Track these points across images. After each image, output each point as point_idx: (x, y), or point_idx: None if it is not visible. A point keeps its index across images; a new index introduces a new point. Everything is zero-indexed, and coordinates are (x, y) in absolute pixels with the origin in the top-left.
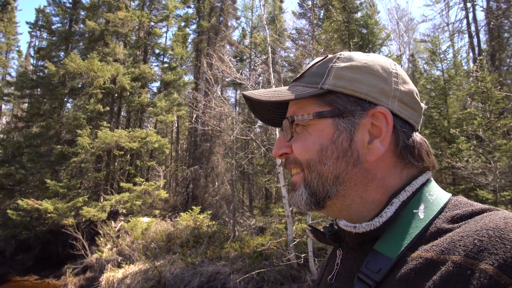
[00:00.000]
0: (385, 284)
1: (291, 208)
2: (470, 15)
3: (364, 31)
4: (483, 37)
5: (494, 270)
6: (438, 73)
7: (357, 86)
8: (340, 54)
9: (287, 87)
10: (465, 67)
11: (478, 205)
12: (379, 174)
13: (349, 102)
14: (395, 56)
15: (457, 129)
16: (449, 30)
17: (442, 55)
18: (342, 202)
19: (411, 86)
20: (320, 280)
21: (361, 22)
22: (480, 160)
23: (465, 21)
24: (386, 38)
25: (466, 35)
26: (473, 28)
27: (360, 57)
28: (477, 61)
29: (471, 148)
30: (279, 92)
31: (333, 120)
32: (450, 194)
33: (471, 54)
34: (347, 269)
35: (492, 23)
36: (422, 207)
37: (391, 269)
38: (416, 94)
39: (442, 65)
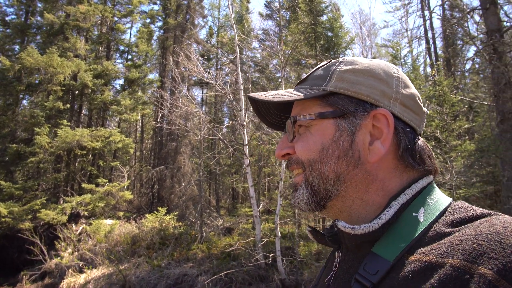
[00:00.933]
0: (382, 286)
1: (258, 208)
2: (428, 23)
3: (330, 34)
4: (439, 43)
5: (493, 275)
6: None
7: (359, 88)
8: (343, 58)
9: (292, 89)
10: (423, 72)
11: (479, 210)
12: (380, 176)
13: (350, 103)
14: None
15: None
16: (408, 36)
17: (402, 60)
18: (343, 203)
19: (413, 90)
20: (318, 282)
21: (327, 25)
22: (438, 160)
23: (422, 28)
24: (351, 42)
25: (424, 41)
26: (430, 35)
27: (362, 61)
28: (435, 66)
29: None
30: (283, 94)
31: (334, 120)
32: (451, 199)
33: (428, 60)
34: (345, 270)
35: (448, 30)
36: (421, 210)
37: (389, 271)
38: (418, 98)
39: (403, 69)
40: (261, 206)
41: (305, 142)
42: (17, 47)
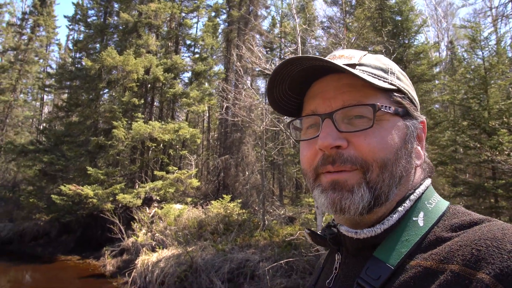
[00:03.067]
0: None
1: None
2: None
3: (398, 18)
4: None
5: (491, 279)
6: (478, 61)
7: (414, 93)
8: (385, 57)
9: (350, 68)
10: (510, 54)
11: (476, 215)
12: (413, 179)
13: (411, 106)
14: (432, 43)
15: (498, 121)
16: (492, 15)
17: (483, 42)
18: (385, 209)
19: None
20: (316, 282)
21: (395, 9)
22: None
23: (510, 5)
24: (422, 25)
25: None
26: None
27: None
28: None
29: None
30: (359, 73)
31: (403, 119)
32: (448, 203)
33: None
34: (346, 274)
35: None
36: (421, 215)
37: (390, 277)
38: None
39: (482, 52)
40: None
41: (379, 138)
42: (98, 46)
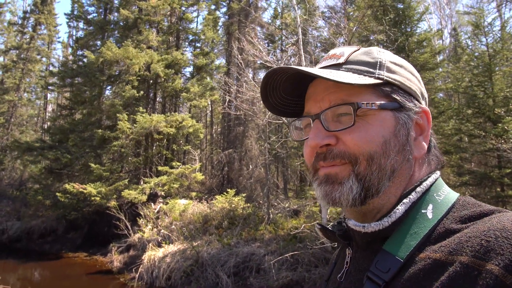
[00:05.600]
0: (394, 284)
1: None
2: None
3: (400, 5)
4: None
5: (500, 270)
6: (482, 47)
7: (410, 83)
8: (379, 50)
9: (335, 70)
10: None
11: (487, 206)
12: (414, 171)
13: (405, 97)
14: (435, 31)
15: (503, 109)
16: (496, 0)
17: (487, 28)
18: (381, 200)
19: None
20: (329, 277)
21: None
22: None
23: None
24: (425, 12)
25: None
26: None
27: (394, 55)
28: None
29: None
30: (336, 74)
31: (393, 113)
32: (458, 194)
33: None
34: (356, 268)
35: None
36: (430, 207)
37: (400, 269)
38: None
39: (486, 39)
40: None
41: (363, 132)
42: (98, 43)
